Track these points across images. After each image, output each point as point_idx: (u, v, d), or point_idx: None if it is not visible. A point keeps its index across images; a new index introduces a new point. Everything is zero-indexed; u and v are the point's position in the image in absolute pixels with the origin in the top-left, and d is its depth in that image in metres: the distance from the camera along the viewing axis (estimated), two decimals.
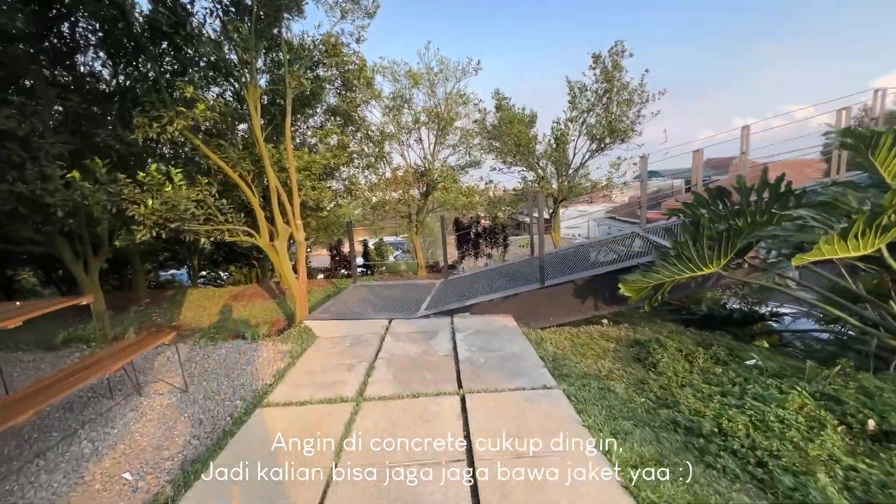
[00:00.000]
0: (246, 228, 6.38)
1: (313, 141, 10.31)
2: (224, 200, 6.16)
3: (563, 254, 7.99)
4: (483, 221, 13.57)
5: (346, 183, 11.53)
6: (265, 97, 8.26)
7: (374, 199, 12.26)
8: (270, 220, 6.93)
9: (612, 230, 33.84)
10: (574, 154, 11.21)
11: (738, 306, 6.81)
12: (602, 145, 10.79)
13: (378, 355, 4.97)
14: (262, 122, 8.44)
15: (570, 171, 11.35)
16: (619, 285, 5.42)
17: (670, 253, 5.18)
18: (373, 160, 11.52)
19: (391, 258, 15.58)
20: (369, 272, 13.13)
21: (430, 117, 11.06)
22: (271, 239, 6.82)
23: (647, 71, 10.08)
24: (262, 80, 8.47)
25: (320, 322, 6.50)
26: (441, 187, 10.90)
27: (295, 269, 7.14)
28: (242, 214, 6.60)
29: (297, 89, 7.01)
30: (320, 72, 7.92)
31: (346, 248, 13.45)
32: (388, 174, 11.76)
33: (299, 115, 9.52)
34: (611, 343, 5.26)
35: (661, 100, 10.51)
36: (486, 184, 12.05)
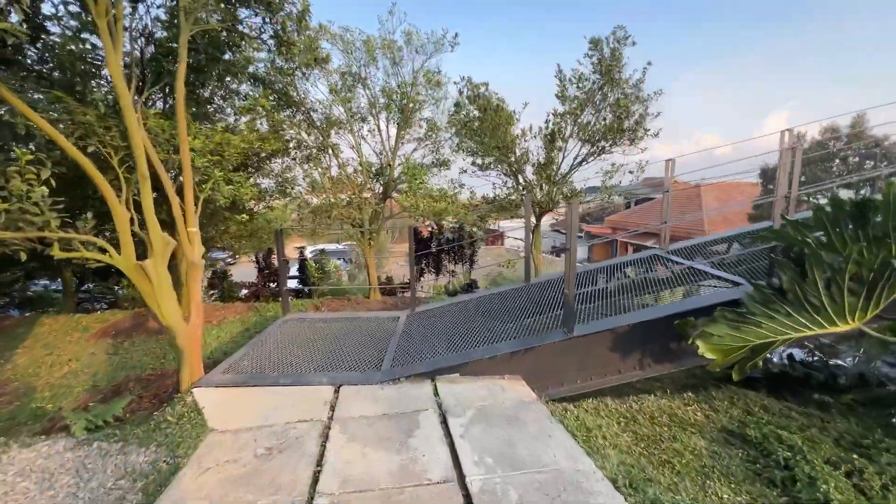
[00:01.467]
0: (91, 238, 3.79)
1: (239, 122, 7.73)
2: (45, 189, 3.54)
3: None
4: (446, 231, 11.50)
5: (279, 179, 8.96)
6: (159, 52, 5.72)
7: (315, 202, 9.71)
8: (146, 225, 4.36)
9: (557, 243, 33.23)
10: (563, 157, 9.51)
11: (805, 358, 5.31)
12: (599, 148, 9.15)
13: (317, 485, 2.68)
14: (155, 90, 5.85)
15: (559, 178, 9.59)
16: (698, 343, 3.60)
17: (778, 296, 3.43)
18: (314, 151, 9.05)
19: (333, 271, 12.99)
20: (307, 291, 10.51)
21: (391, 101, 8.81)
22: (142, 256, 4.25)
23: (649, 64, 8.67)
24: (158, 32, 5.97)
25: (221, 392, 4.03)
26: (404, 188, 8.65)
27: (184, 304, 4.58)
28: (91, 215, 3.98)
29: (197, 26, 4.56)
30: (242, 11, 5.46)
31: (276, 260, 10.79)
32: (336, 170, 9.30)
33: (214, 82, 6.93)
34: (694, 437, 3.38)
35: (659, 100, 9.16)
36: (457, 188, 9.93)
